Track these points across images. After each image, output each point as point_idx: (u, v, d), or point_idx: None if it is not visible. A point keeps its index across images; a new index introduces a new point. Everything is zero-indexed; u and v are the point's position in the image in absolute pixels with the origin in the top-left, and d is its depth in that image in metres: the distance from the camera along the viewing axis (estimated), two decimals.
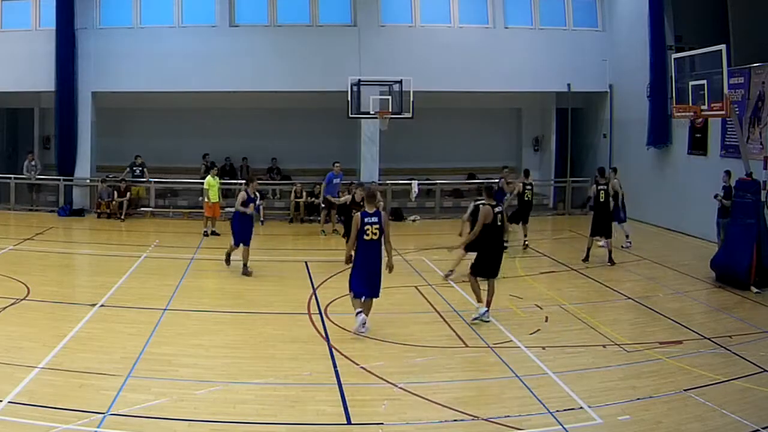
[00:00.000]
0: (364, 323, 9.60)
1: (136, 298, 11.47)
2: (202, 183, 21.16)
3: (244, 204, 13.35)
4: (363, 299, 9.66)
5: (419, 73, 20.01)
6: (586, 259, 14.76)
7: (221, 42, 20.94)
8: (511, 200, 16.97)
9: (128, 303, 11.16)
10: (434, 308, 11.22)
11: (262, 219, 19.75)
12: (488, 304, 10.36)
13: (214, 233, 17.58)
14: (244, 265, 13.31)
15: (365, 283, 9.50)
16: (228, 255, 13.79)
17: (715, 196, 14.52)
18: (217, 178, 18.13)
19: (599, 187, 14.85)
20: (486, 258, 10.40)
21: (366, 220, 9.39)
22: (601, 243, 15.09)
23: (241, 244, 13.38)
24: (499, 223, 10.38)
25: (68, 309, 10.72)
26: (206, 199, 17.81)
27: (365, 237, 9.41)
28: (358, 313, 9.61)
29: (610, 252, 14.73)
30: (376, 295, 9.71)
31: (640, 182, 20.25)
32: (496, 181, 17.70)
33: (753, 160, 14.02)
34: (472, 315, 10.40)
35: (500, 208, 10.59)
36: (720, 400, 7.60)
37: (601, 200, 14.70)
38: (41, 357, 8.42)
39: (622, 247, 16.08)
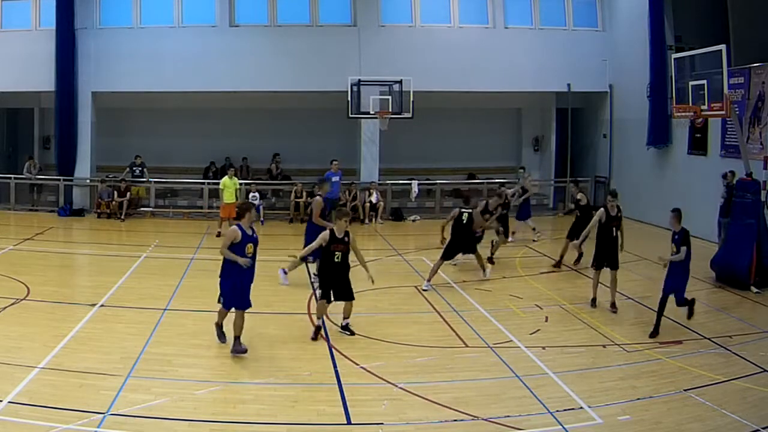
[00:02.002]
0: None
1: (136, 298, 11.47)
2: (203, 183, 21.33)
3: (237, 246, 8.69)
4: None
5: (419, 73, 20.02)
6: (577, 262, 14.74)
7: (221, 42, 20.93)
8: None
9: (128, 303, 11.16)
10: (434, 308, 11.23)
11: (262, 219, 19.77)
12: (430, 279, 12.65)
13: None
14: (236, 338, 8.88)
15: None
16: (219, 326, 9.38)
17: (724, 176, 14.68)
18: (235, 179, 18.16)
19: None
20: (450, 244, 12.97)
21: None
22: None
23: (234, 309, 8.97)
24: (463, 220, 12.91)
25: (68, 309, 10.72)
26: (222, 201, 17.81)
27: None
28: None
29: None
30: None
31: (640, 182, 20.28)
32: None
33: (753, 160, 14.03)
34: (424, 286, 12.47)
35: (467, 210, 13.12)
36: (720, 400, 7.61)
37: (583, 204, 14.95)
38: (41, 357, 8.43)
39: (534, 240, 17.33)
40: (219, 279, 9.00)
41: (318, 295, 10.03)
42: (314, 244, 9.72)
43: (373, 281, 9.85)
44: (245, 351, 8.87)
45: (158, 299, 11.37)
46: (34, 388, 7.55)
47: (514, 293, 12.23)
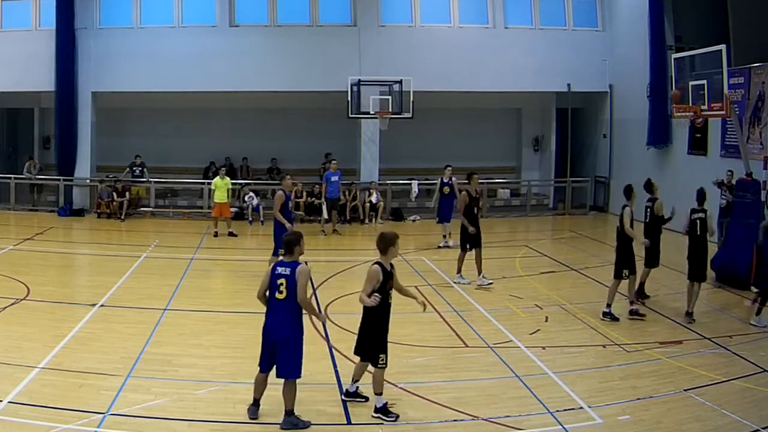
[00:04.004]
0: None
1: (136, 298, 11.47)
2: (203, 183, 21.34)
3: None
4: None
5: (419, 73, 20.02)
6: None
7: (221, 42, 20.93)
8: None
9: (128, 303, 11.16)
10: (434, 308, 11.21)
11: (262, 219, 19.76)
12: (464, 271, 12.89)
13: (231, 234, 17.57)
14: (287, 413, 7.03)
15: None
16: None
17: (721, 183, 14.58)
18: (227, 179, 18.26)
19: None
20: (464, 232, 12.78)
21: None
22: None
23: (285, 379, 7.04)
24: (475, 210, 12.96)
25: (68, 309, 10.72)
26: (213, 200, 17.90)
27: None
28: None
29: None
30: None
31: (640, 182, 20.16)
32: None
33: (753, 160, 14.02)
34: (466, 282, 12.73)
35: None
36: (720, 400, 7.61)
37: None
38: (41, 357, 8.43)
39: (439, 246, 16.30)
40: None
41: (364, 358, 7.43)
42: (368, 287, 7.10)
43: (425, 308, 7.79)
44: (307, 426, 6.99)
45: (158, 299, 11.36)
46: (34, 388, 7.54)
47: (514, 293, 12.22)
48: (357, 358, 7.53)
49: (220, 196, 17.83)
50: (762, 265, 10.75)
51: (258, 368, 7.12)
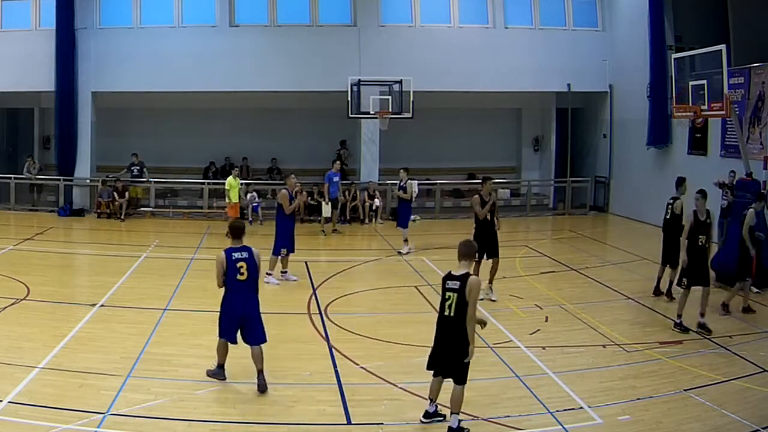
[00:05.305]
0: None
1: (136, 298, 11.48)
2: (203, 183, 21.34)
3: None
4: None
5: (419, 73, 20.01)
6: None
7: (221, 42, 20.92)
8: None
9: (128, 303, 11.16)
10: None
11: (261, 219, 19.76)
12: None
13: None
14: (260, 372, 7.87)
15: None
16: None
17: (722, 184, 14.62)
18: (238, 179, 18.24)
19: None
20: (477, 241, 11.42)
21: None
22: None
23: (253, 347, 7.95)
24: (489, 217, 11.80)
25: (68, 309, 10.72)
26: (227, 201, 17.86)
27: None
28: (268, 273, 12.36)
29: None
30: None
31: (640, 182, 20.28)
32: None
33: (753, 160, 14.02)
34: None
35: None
36: (720, 400, 7.61)
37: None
38: (41, 357, 8.43)
39: (399, 252, 15.60)
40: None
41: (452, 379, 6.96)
42: (478, 298, 6.91)
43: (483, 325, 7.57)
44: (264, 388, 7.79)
45: (158, 299, 11.37)
46: (34, 388, 7.55)
47: (514, 293, 12.22)
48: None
49: (235, 195, 17.79)
50: None
51: (221, 337, 8.09)
